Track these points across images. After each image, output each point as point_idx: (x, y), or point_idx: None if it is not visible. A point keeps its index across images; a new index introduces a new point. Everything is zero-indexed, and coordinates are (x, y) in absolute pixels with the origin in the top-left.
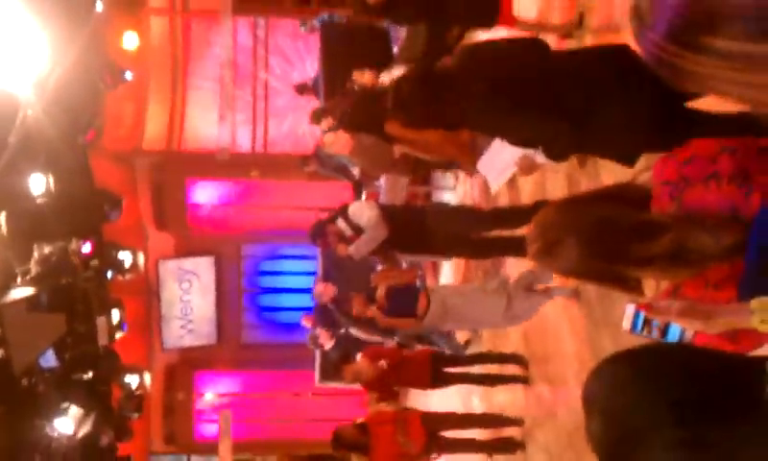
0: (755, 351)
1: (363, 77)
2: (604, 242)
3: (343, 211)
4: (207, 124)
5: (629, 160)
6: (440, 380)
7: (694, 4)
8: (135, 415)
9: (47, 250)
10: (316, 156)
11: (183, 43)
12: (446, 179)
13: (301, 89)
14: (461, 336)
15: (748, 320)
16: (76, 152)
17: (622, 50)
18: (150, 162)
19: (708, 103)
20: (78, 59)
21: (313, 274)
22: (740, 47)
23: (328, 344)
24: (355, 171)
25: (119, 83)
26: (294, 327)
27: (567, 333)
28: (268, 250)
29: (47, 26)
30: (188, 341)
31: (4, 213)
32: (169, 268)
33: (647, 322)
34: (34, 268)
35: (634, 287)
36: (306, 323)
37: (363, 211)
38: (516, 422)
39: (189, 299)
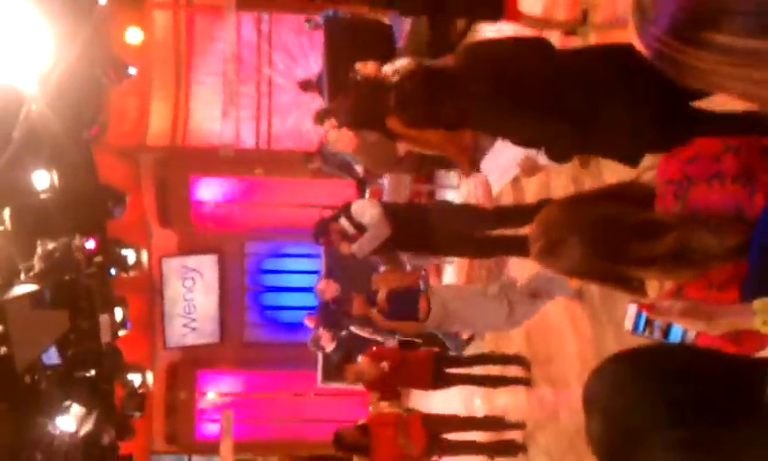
0: (757, 353)
1: (366, 68)
2: (607, 241)
3: (346, 210)
4: (211, 120)
5: (632, 161)
6: (441, 381)
7: None
8: (137, 414)
9: (50, 246)
10: (320, 153)
11: (187, 38)
12: (450, 177)
13: (305, 86)
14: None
15: (750, 321)
16: (80, 147)
17: (626, 49)
18: (154, 158)
19: (715, 102)
20: (81, 53)
21: (316, 272)
22: (741, 43)
23: (330, 346)
24: (359, 169)
25: (123, 78)
26: (297, 326)
27: (570, 334)
28: (271, 248)
29: (51, 21)
30: (191, 339)
31: (8, 209)
32: (172, 266)
33: (649, 322)
34: (37, 264)
35: (636, 288)
36: (309, 322)
37: (366, 210)
38: (517, 425)
39: (192, 297)
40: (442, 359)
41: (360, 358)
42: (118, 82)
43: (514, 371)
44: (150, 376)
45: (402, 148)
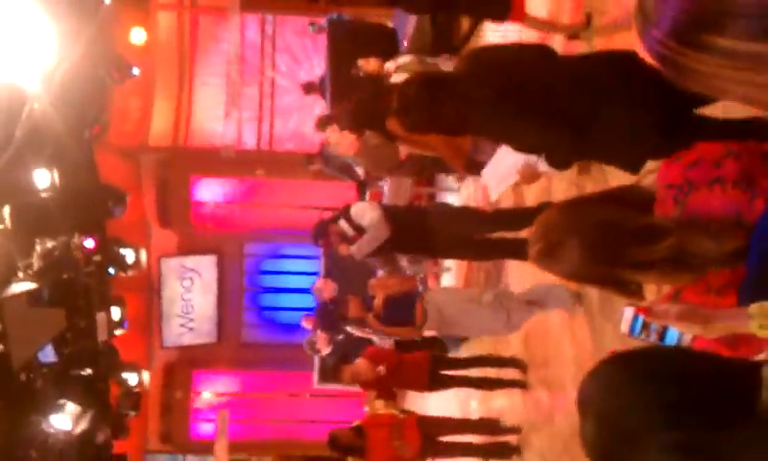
0: (754, 357)
1: (368, 64)
2: (606, 245)
3: (345, 212)
4: (213, 121)
5: (633, 168)
6: (437, 383)
7: (699, 1)
8: (133, 413)
9: (50, 244)
10: (321, 155)
11: (191, 39)
12: (450, 180)
13: (308, 89)
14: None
15: (746, 325)
16: (82, 146)
17: (629, 56)
18: (155, 159)
19: (718, 108)
20: (85, 53)
21: (315, 274)
22: (744, 46)
23: (326, 349)
24: (360, 171)
25: (126, 78)
26: (294, 327)
27: (567, 337)
28: (270, 249)
29: (55, 19)
30: (188, 339)
31: (8, 207)
32: (171, 265)
33: (645, 325)
34: (36, 262)
35: (634, 291)
36: (307, 324)
37: (365, 212)
38: (513, 430)
39: (190, 297)
40: (438, 361)
41: (357, 360)
42: (121, 82)
43: (510, 373)
44: (146, 376)
45: (403, 151)
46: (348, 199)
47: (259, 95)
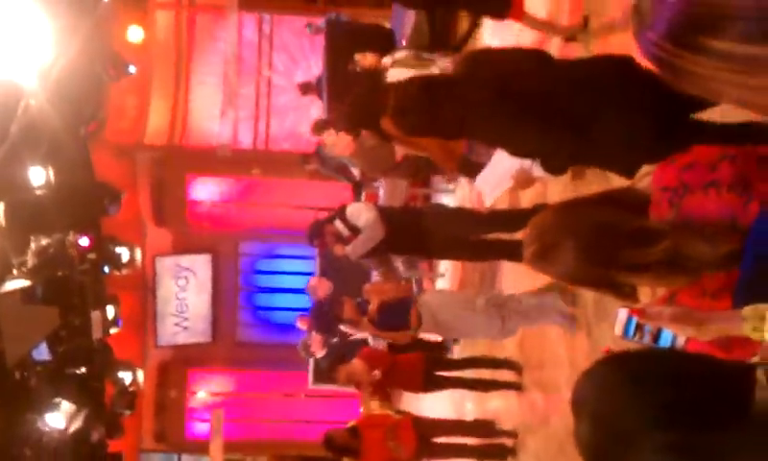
0: (747, 359)
1: (365, 59)
2: (600, 247)
3: (341, 212)
4: (209, 120)
5: (628, 172)
6: (432, 384)
7: (695, 4)
8: (127, 412)
9: (44, 242)
10: (317, 155)
11: (188, 38)
12: (446, 182)
13: (305, 89)
14: None
15: (740, 327)
16: (77, 143)
17: (625, 61)
18: (151, 157)
19: (716, 113)
20: (82, 50)
21: (310, 274)
22: (741, 49)
23: (320, 352)
24: (355, 172)
25: (122, 75)
26: (289, 327)
27: (563, 339)
28: (266, 248)
29: (52, 16)
30: (182, 338)
31: (2, 204)
32: (166, 264)
33: (639, 327)
34: (30, 260)
35: (629, 294)
36: (302, 325)
37: (361, 212)
38: (509, 434)
39: (185, 296)
40: (432, 362)
41: (353, 360)
42: (118, 79)
43: (505, 375)
44: (140, 375)
45: (399, 152)
46: (344, 199)
47: (256, 94)
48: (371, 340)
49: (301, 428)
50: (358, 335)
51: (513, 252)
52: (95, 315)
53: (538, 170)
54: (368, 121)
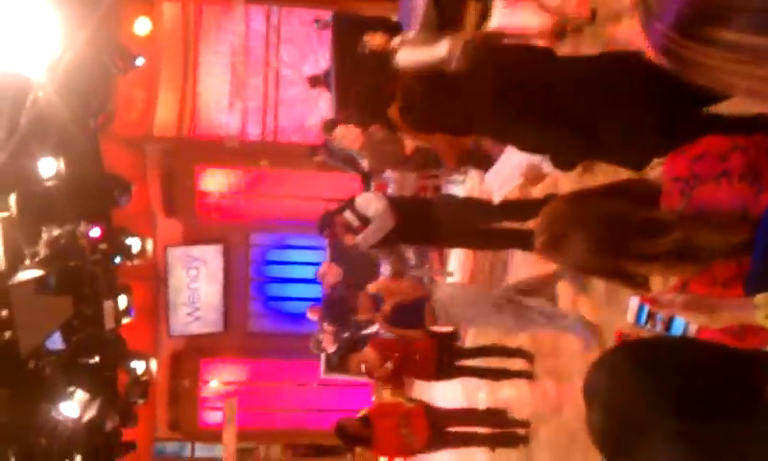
0: (761, 347)
1: (374, 40)
2: (611, 238)
3: (350, 203)
4: (218, 111)
5: (637, 167)
6: (444, 373)
7: None
8: (141, 401)
9: (56, 232)
10: (325, 146)
11: (195, 29)
12: (456, 174)
13: (314, 82)
14: None
15: (752, 315)
16: (87, 135)
17: (632, 56)
18: (160, 148)
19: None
20: (90, 42)
21: (320, 264)
22: (749, 39)
23: (331, 348)
24: (364, 163)
25: (130, 67)
26: (300, 317)
27: None
28: (276, 239)
29: (60, 8)
30: (195, 328)
31: (14, 195)
32: (177, 255)
33: (651, 315)
34: (42, 250)
35: (640, 283)
36: (312, 315)
37: (370, 202)
38: (521, 422)
39: (196, 286)
40: (444, 351)
41: (365, 349)
42: (126, 71)
43: (517, 364)
44: (154, 364)
45: (409, 146)
46: (354, 190)
47: (264, 86)
48: (382, 331)
49: (314, 417)
50: (372, 328)
51: (524, 241)
52: (107, 305)
53: (547, 166)
54: (375, 110)
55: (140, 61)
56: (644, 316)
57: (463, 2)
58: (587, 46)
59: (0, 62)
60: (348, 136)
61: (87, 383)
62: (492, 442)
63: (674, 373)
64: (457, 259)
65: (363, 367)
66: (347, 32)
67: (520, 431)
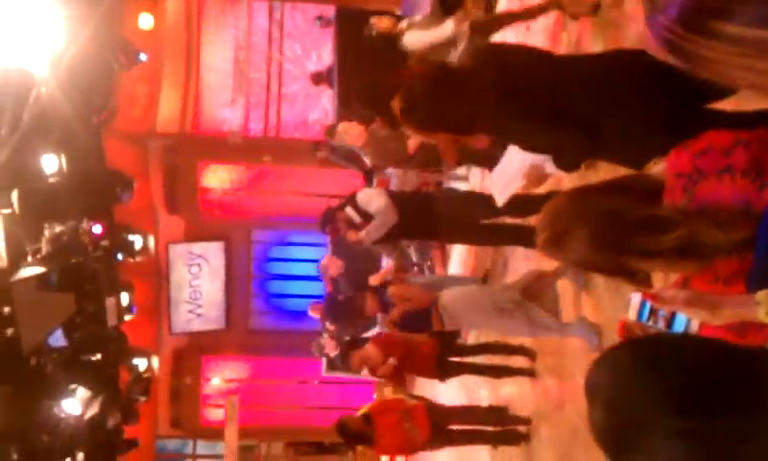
0: (762, 344)
1: (381, 22)
2: (612, 234)
3: (352, 199)
4: (220, 107)
5: (637, 166)
6: (445, 370)
7: None
8: (143, 398)
9: (58, 229)
10: (327, 143)
11: (198, 25)
12: (459, 170)
13: (317, 79)
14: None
15: (754, 311)
16: (89, 131)
17: (637, 54)
18: (162, 145)
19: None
20: (92, 37)
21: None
22: (751, 33)
23: (333, 352)
24: (366, 160)
25: (133, 63)
26: (302, 314)
27: None
28: (278, 236)
29: (63, 3)
30: (196, 325)
31: (16, 192)
32: (179, 252)
33: (653, 311)
34: (44, 247)
35: (642, 280)
36: (313, 313)
37: (372, 198)
38: (523, 420)
39: (198, 283)
40: (446, 348)
41: (367, 345)
42: (129, 67)
43: (519, 361)
44: (155, 361)
45: (412, 144)
46: (356, 186)
47: (267, 82)
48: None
49: (315, 415)
50: (375, 330)
51: (525, 237)
52: (109, 302)
53: (550, 167)
54: (378, 103)
55: (143, 57)
56: (646, 313)
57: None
58: (590, 33)
59: (3, 58)
60: (351, 133)
61: (89, 380)
62: (493, 439)
63: (676, 370)
64: (459, 255)
65: (365, 365)
66: (350, 27)
67: (522, 429)
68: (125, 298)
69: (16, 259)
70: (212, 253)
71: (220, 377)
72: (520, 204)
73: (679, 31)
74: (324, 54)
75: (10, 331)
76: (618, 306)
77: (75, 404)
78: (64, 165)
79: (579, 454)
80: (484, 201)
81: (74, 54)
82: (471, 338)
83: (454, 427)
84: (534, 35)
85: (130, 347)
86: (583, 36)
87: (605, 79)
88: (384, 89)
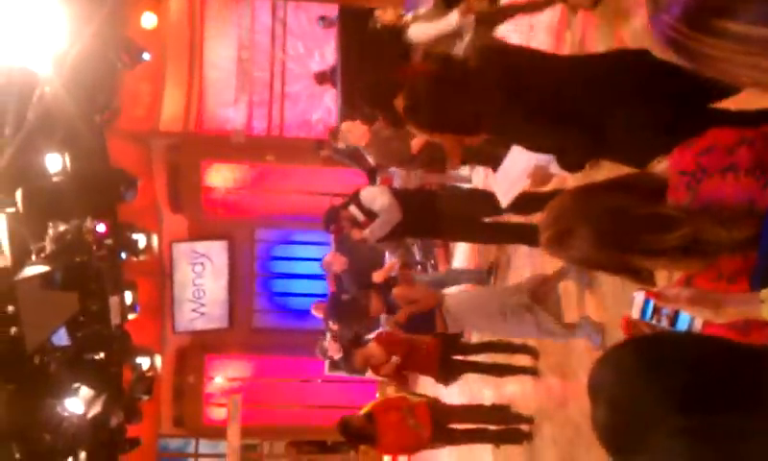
0: (766, 343)
1: (386, 14)
2: (615, 233)
3: (355, 197)
4: (224, 106)
5: (639, 165)
6: (449, 369)
7: None
8: (146, 397)
9: (62, 228)
10: (330, 142)
11: (201, 23)
12: (462, 169)
13: (321, 78)
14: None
15: (758, 310)
16: (93, 131)
17: (640, 54)
18: (166, 144)
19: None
20: (96, 37)
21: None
22: (756, 31)
23: (337, 355)
24: (369, 159)
25: (137, 62)
26: (305, 313)
27: None
28: (281, 235)
29: (66, 3)
30: (200, 324)
31: (20, 190)
32: (182, 250)
33: (656, 310)
34: (48, 246)
35: (646, 278)
36: (317, 312)
37: (375, 196)
38: (525, 419)
39: (202, 282)
40: (448, 346)
41: (370, 344)
42: (132, 66)
43: (522, 360)
44: (159, 360)
45: (416, 144)
46: (359, 185)
47: (270, 81)
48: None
49: (318, 414)
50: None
51: (528, 235)
52: (113, 301)
53: (554, 167)
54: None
55: (146, 56)
56: (649, 311)
57: None
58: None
59: (7, 57)
60: (355, 133)
61: (92, 379)
62: (496, 438)
63: (679, 368)
64: (462, 253)
65: (368, 363)
66: (353, 26)
67: (524, 427)
68: (128, 296)
69: (20, 258)
70: (216, 251)
71: (223, 376)
72: (524, 201)
73: (683, 29)
74: (327, 53)
75: (13, 330)
76: (622, 305)
77: (78, 403)
78: (68, 164)
79: (581, 453)
80: (487, 198)
81: (77, 53)
82: (475, 337)
83: (456, 426)
84: (538, 34)
85: (133, 346)
86: (587, 35)
87: (608, 79)
88: (387, 87)
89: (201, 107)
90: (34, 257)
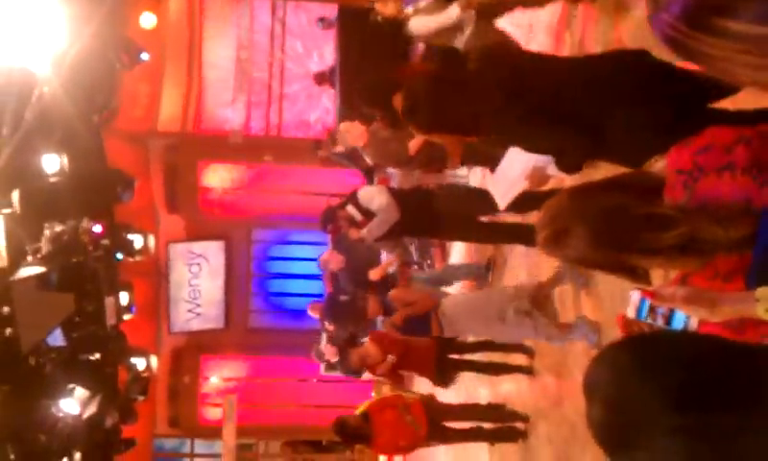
0: (760, 341)
1: (386, 8)
2: (612, 232)
3: (352, 197)
4: (222, 106)
5: (635, 165)
6: (445, 369)
7: None
8: (141, 398)
9: (58, 228)
10: (329, 145)
11: (200, 23)
12: (460, 169)
13: (320, 79)
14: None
15: (753, 308)
16: (91, 131)
17: (639, 55)
18: (164, 144)
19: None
20: (95, 37)
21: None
22: (754, 30)
23: (334, 359)
24: (367, 158)
25: (136, 62)
26: (302, 313)
27: None
28: (278, 235)
29: (65, 3)
30: (196, 325)
31: (17, 191)
32: (179, 251)
33: (652, 309)
34: (45, 246)
35: (641, 276)
36: (313, 313)
37: (373, 196)
38: (521, 417)
39: (198, 282)
40: (444, 346)
41: (365, 343)
42: (131, 67)
43: (517, 359)
44: (154, 361)
45: (413, 145)
46: (356, 185)
47: (268, 81)
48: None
49: (314, 413)
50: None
51: (524, 235)
52: (109, 301)
53: (552, 169)
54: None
55: (145, 56)
56: (645, 310)
57: None
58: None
59: (6, 57)
60: (353, 133)
61: (88, 380)
62: (491, 437)
63: (674, 367)
64: (459, 253)
65: (364, 363)
66: (352, 26)
67: (520, 426)
68: (124, 297)
69: (17, 259)
70: (212, 252)
71: (218, 376)
72: (521, 201)
73: (682, 28)
74: (326, 53)
75: (8, 331)
76: (618, 304)
77: (73, 404)
78: (65, 165)
79: (577, 452)
80: (484, 196)
81: (76, 53)
82: (470, 336)
83: (451, 425)
84: (537, 34)
85: (128, 346)
86: (587, 35)
87: (608, 80)
88: (386, 87)
89: (199, 107)
90: (30, 258)
